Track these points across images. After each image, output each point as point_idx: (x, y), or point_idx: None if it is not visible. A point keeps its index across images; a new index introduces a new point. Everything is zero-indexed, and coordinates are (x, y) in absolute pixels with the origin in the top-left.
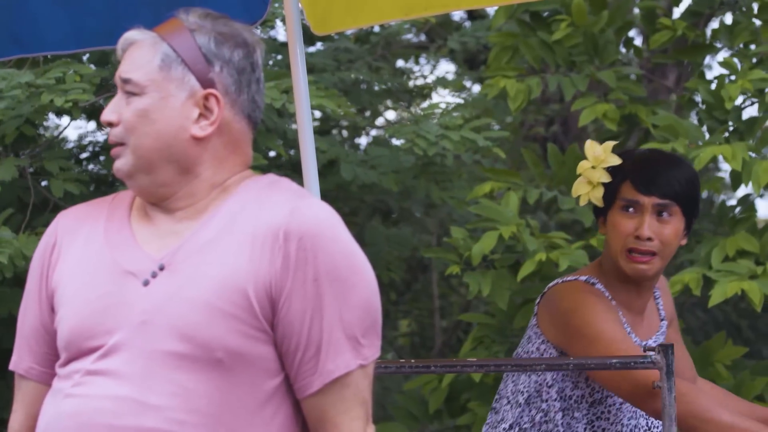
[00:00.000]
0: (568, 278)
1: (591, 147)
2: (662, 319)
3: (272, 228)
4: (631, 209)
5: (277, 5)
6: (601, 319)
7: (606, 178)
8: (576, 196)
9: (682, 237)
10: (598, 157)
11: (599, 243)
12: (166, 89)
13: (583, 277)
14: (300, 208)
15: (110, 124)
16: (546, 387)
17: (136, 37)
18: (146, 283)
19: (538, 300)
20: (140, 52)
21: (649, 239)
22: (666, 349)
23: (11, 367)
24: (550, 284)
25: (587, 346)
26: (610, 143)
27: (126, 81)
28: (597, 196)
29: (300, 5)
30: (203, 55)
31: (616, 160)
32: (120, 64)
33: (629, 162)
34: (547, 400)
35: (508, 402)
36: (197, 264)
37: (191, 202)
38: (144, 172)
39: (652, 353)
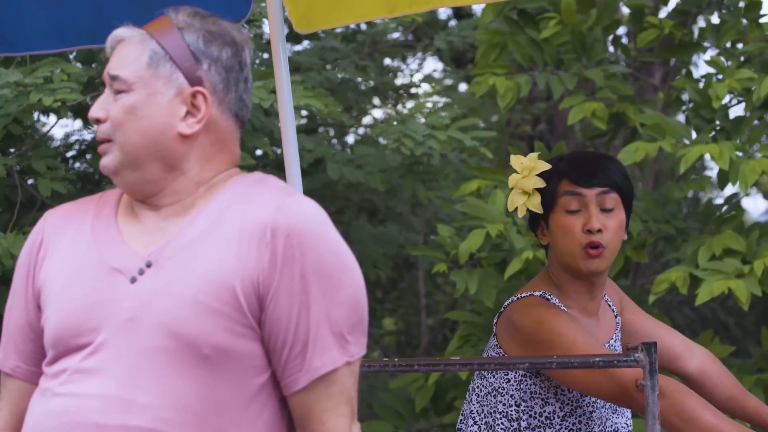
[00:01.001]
0: (523, 294)
1: (517, 159)
2: (616, 315)
3: (259, 225)
4: (575, 206)
5: (263, 4)
6: (570, 329)
7: (540, 184)
8: (513, 209)
9: (624, 231)
10: (527, 166)
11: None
12: (154, 86)
13: (538, 293)
14: (287, 205)
15: (98, 121)
16: (514, 406)
17: (125, 34)
18: (133, 280)
19: (495, 320)
20: (128, 49)
21: (600, 231)
22: (649, 347)
23: None
24: (506, 303)
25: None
26: (535, 153)
27: (114, 78)
28: (535, 204)
29: (283, 3)
30: (191, 53)
31: (545, 166)
32: (109, 61)
33: (563, 163)
34: (517, 420)
35: (475, 423)
36: (184, 261)
37: (177, 199)
38: (130, 168)
39: (634, 352)
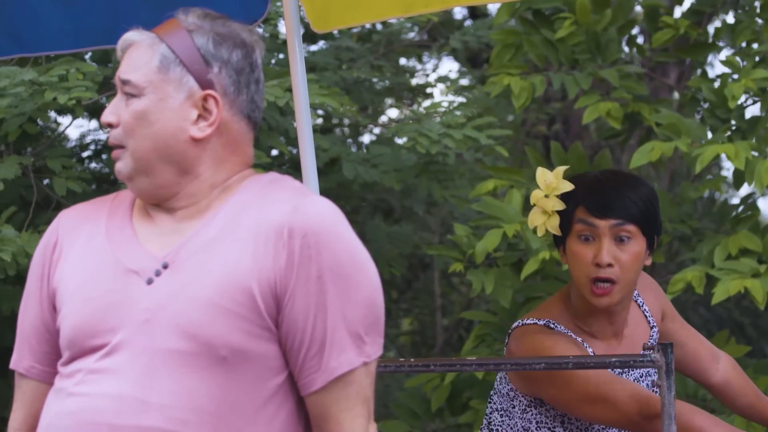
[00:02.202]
0: (527, 321)
1: (542, 174)
2: (652, 327)
3: (276, 225)
4: (588, 236)
5: (279, 4)
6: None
7: (560, 206)
8: (533, 227)
9: (646, 257)
10: (550, 185)
11: None
12: (164, 90)
13: (542, 321)
14: (303, 206)
15: (110, 125)
16: None
17: (134, 38)
18: (150, 282)
19: (506, 341)
20: (138, 53)
21: (609, 265)
22: (665, 347)
23: (12, 365)
24: (513, 325)
25: (563, 387)
26: (561, 168)
27: (125, 82)
28: (554, 225)
29: (299, 3)
30: (201, 56)
31: (568, 186)
32: (120, 65)
33: (581, 187)
34: None
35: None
36: (200, 262)
37: (192, 201)
38: (144, 174)
39: (651, 352)
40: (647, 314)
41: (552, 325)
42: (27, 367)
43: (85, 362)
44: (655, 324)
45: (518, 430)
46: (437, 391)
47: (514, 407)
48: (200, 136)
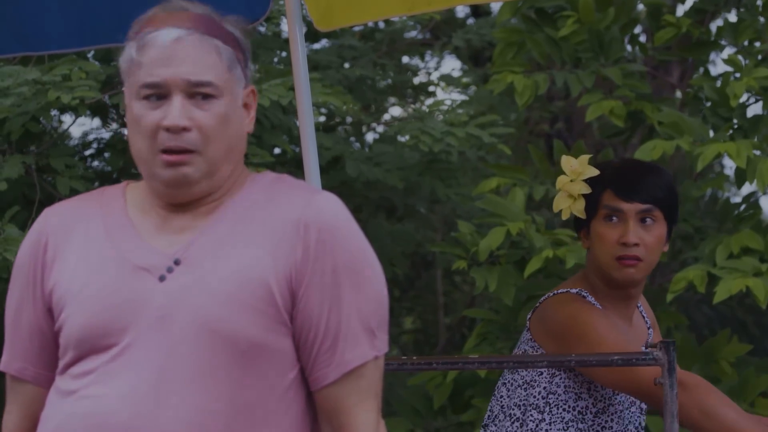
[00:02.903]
0: (559, 291)
1: (567, 161)
2: (648, 327)
3: (290, 220)
4: (614, 218)
5: (281, 2)
6: (601, 325)
7: (586, 190)
8: (558, 211)
9: (665, 243)
10: (576, 170)
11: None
12: (234, 90)
13: (574, 290)
14: (316, 201)
15: (184, 129)
16: (545, 399)
17: (179, 34)
18: (162, 279)
19: (529, 315)
20: (197, 51)
21: (636, 245)
22: (667, 345)
23: (2, 368)
24: (542, 298)
25: (592, 351)
26: (586, 156)
27: (202, 84)
28: (579, 209)
29: (302, 1)
30: (243, 50)
31: (593, 172)
32: (168, 63)
33: (608, 171)
34: (545, 412)
35: (506, 416)
36: (215, 258)
37: (217, 197)
38: (209, 176)
39: (653, 350)
40: (644, 314)
41: (584, 294)
42: (20, 369)
43: (95, 362)
44: (650, 326)
45: (542, 396)
46: (440, 389)
47: (541, 374)
48: (250, 130)
